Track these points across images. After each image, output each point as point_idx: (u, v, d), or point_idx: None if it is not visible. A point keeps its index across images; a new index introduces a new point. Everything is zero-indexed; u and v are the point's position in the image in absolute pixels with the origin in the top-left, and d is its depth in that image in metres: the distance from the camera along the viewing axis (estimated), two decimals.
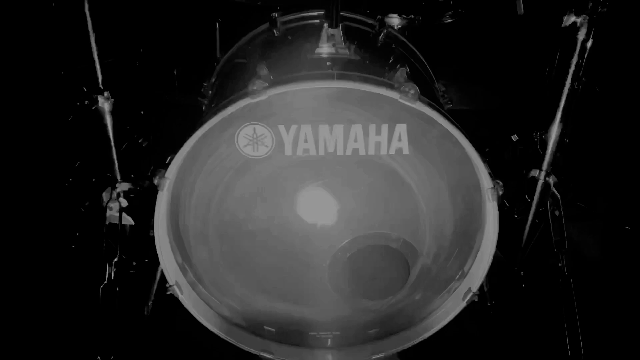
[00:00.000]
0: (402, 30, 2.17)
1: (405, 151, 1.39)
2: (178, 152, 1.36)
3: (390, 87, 1.32)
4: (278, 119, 1.36)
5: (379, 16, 1.82)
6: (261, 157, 1.40)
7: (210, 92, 1.85)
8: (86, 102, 1.68)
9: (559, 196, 1.69)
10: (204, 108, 1.85)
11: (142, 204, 1.75)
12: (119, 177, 1.71)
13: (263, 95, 1.29)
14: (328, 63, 1.49)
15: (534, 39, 2.17)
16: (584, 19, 1.51)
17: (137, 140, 2.32)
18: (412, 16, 2.10)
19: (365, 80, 1.32)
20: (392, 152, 1.39)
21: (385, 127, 1.37)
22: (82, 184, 2.16)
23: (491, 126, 2.69)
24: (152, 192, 1.44)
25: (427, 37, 2.19)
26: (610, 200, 2.35)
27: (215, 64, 2.00)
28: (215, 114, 1.32)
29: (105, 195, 1.71)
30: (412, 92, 1.30)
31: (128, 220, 1.73)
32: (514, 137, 2.12)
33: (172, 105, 2.34)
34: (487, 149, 2.30)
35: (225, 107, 1.32)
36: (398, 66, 1.46)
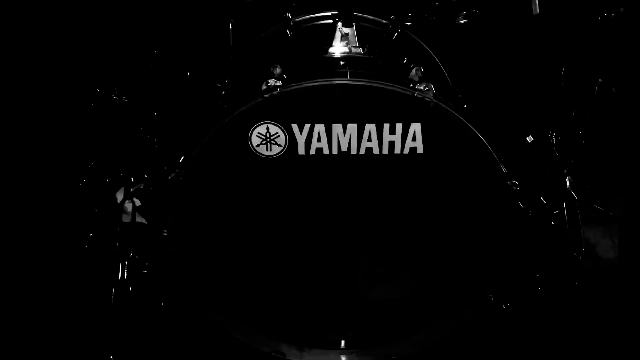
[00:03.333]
0: (415, 30, 2.16)
1: (420, 150, 1.38)
2: (191, 151, 1.36)
3: (405, 85, 1.31)
4: (291, 118, 1.36)
5: (392, 16, 1.81)
6: (274, 157, 1.40)
7: (223, 92, 1.85)
8: (100, 103, 1.68)
9: (575, 197, 1.66)
10: (215, 107, 1.86)
11: (155, 203, 1.75)
12: (132, 178, 1.71)
13: (277, 93, 1.29)
14: (341, 62, 1.48)
15: (549, 39, 2.14)
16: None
17: (151, 141, 2.32)
18: (426, 16, 2.08)
19: (379, 79, 1.31)
20: (406, 151, 1.38)
21: (399, 127, 1.36)
22: (96, 185, 2.17)
23: (506, 127, 2.66)
24: (166, 192, 1.44)
25: (441, 37, 2.18)
26: (627, 203, 2.31)
27: (229, 64, 2.01)
28: (228, 113, 1.32)
29: (118, 195, 1.72)
30: (427, 90, 1.29)
31: (141, 220, 1.73)
32: (530, 138, 2.09)
33: (186, 106, 2.34)
34: (502, 150, 2.27)
35: (238, 105, 1.32)
36: (412, 65, 1.45)
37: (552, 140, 2.02)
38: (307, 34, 1.74)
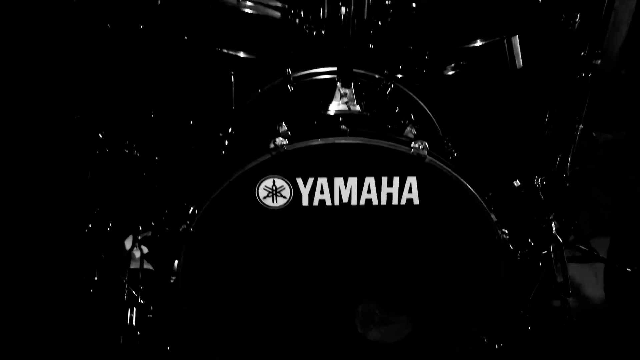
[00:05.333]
0: (405, 81, 2.29)
1: (416, 202, 1.48)
2: (202, 204, 1.45)
3: (402, 142, 1.41)
4: (296, 172, 1.45)
5: (385, 71, 1.93)
6: (279, 208, 1.49)
7: (226, 142, 1.94)
8: (107, 149, 1.76)
9: (561, 241, 1.77)
10: (220, 158, 1.95)
11: (164, 251, 1.82)
12: (140, 225, 1.78)
13: (283, 151, 1.39)
14: (340, 118, 1.59)
15: (533, 89, 2.27)
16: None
17: (152, 186, 2.40)
18: (417, 68, 2.21)
19: (378, 137, 1.42)
20: (403, 202, 1.48)
21: (396, 180, 1.46)
22: (101, 230, 2.23)
23: (492, 168, 2.78)
24: (176, 242, 1.52)
25: (430, 87, 2.30)
26: (612, 242, 2.42)
27: (231, 114, 2.11)
28: (238, 168, 1.42)
29: (127, 243, 1.79)
30: (422, 147, 1.39)
31: (148, 266, 1.80)
32: (516, 183, 2.20)
33: (188, 154, 2.42)
34: (490, 193, 2.38)
35: (248, 162, 1.41)
36: (407, 122, 1.56)
37: (538, 184, 2.13)
38: (307, 88, 1.85)
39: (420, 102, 2.00)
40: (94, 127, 2.30)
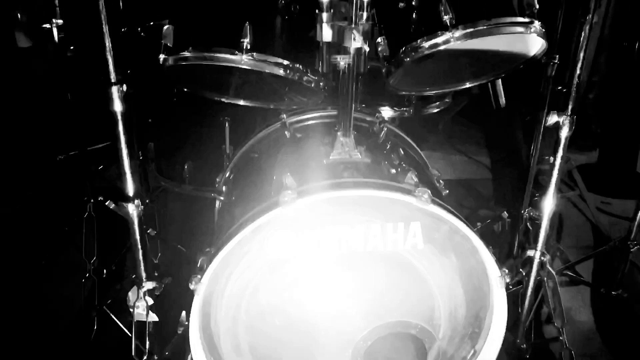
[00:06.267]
0: (394, 120, 2.37)
1: (420, 246, 1.53)
2: (213, 258, 1.47)
3: (405, 191, 1.47)
4: (304, 222, 1.49)
5: (377, 114, 2.00)
6: (288, 258, 1.52)
7: (224, 187, 1.97)
8: (112, 205, 1.76)
9: (553, 273, 1.85)
10: (218, 203, 1.98)
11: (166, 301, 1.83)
12: (144, 277, 1.79)
13: (293, 205, 1.43)
14: (341, 166, 1.64)
15: (515, 125, 2.38)
16: (565, 119, 1.70)
17: (146, 230, 2.40)
18: (405, 108, 2.30)
19: (383, 187, 1.47)
20: (407, 247, 1.53)
21: (401, 225, 1.51)
22: (99, 278, 2.23)
23: (476, 195, 2.88)
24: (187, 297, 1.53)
25: (416, 120, 2.39)
26: (594, 266, 2.53)
27: (227, 160, 2.14)
28: (248, 223, 1.45)
29: (131, 295, 1.79)
30: (425, 196, 1.45)
31: (153, 317, 1.80)
32: (505, 214, 2.29)
33: (180, 195, 2.44)
34: (478, 224, 2.47)
35: (258, 216, 1.44)
36: (406, 167, 1.63)
37: (526, 215, 2.22)
38: (303, 133, 1.90)
39: (408, 139, 2.07)
40: (82, 170, 2.31)
